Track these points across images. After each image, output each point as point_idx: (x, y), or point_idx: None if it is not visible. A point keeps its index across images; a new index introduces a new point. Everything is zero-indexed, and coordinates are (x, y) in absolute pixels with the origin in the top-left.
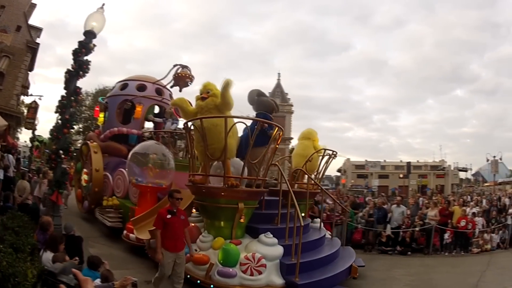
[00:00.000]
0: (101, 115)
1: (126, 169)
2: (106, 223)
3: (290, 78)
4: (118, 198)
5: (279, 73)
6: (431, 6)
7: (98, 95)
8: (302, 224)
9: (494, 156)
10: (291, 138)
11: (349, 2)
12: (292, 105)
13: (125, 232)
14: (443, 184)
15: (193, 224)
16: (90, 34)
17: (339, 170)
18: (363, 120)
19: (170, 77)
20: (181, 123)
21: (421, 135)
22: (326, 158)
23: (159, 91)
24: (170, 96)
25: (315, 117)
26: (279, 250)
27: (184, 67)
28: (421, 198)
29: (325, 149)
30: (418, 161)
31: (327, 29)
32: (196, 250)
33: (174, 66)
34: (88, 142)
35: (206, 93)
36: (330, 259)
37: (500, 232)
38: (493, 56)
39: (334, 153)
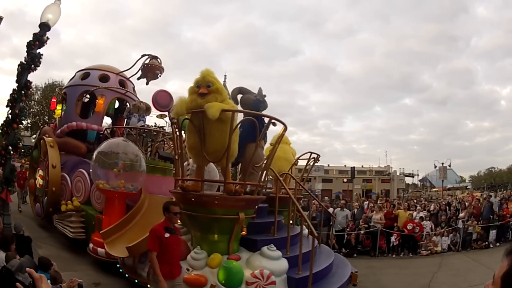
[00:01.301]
0: (59, 107)
1: (90, 171)
2: (68, 234)
3: (236, 80)
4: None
5: (225, 75)
6: (386, 17)
7: (47, 90)
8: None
9: (443, 163)
10: None
11: (302, 9)
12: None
13: (91, 245)
14: (388, 189)
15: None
16: (44, 27)
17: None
18: (308, 125)
19: (137, 68)
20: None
21: (367, 141)
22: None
23: (122, 83)
24: (133, 89)
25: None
26: (284, 263)
27: (153, 57)
28: (366, 202)
29: (311, 152)
30: (362, 166)
31: (277, 34)
32: (188, 270)
33: (143, 56)
34: (44, 137)
35: (206, 87)
36: (331, 269)
37: (451, 235)
38: (447, 67)
39: (318, 156)
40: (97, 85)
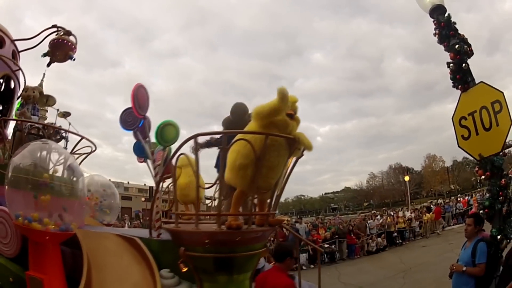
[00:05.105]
0: None
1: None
2: None
3: (54, 82)
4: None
5: (44, 74)
6: (215, 47)
7: None
8: None
9: None
10: None
11: (136, 21)
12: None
13: None
14: None
15: None
16: None
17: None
18: (112, 139)
19: (37, 40)
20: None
21: None
22: None
23: (14, 56)
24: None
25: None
26: None
27: (67, 32)
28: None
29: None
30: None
31: (105, 42)
32: None
33: (52, 27)
34: None
35: (293, 111)
36: None
37: None
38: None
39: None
40: None
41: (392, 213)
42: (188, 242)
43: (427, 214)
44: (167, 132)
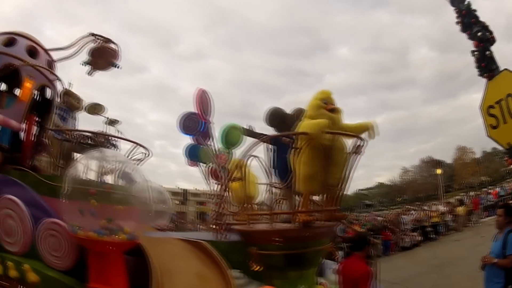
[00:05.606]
0: None
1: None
2: None
3: (78, 89)
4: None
5: (70, 83)
6: (239, 46)
7: None
8: None
9: None
10: None
11: (158, 25)
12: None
13: None
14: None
15: None
16: None
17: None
18: (144, 144)
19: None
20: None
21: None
22: None
23: (50, 66)
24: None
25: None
26: None
27: (106, 40)
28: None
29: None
30: (197, 189)
31: (129, 48)
32: None
33: (90, 35)
34: None
35: (332, 105)
36: None
37: None
38: (292, 100)
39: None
40: (25, 60)
41: (426, 208)
42: (261, 241)
43: (459, 207)
44: (232, 135)
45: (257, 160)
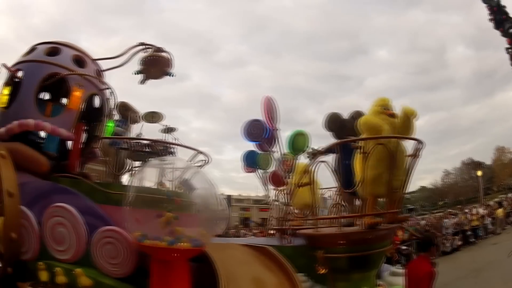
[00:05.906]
0: (5, 91)
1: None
2: None
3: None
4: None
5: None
6: (278, 53)
7: None
8: None
9: None
10: None
11: (196, 34)
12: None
13: None
14: (266, 217)
15: None
16: None
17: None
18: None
19: (126, 58)
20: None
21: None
22: None
23: (99, 75)
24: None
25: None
26: None
27: (158, 49)
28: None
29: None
30: (240, 195)
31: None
32: None
33: (140, 44)
34: None
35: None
36: None
37: None
38: (334, 104)
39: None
40: (72, 69)
41: (466, 211)
42: (328, 244)
43: (498, 210)
44: (299, 141)
45: (326, 165)
